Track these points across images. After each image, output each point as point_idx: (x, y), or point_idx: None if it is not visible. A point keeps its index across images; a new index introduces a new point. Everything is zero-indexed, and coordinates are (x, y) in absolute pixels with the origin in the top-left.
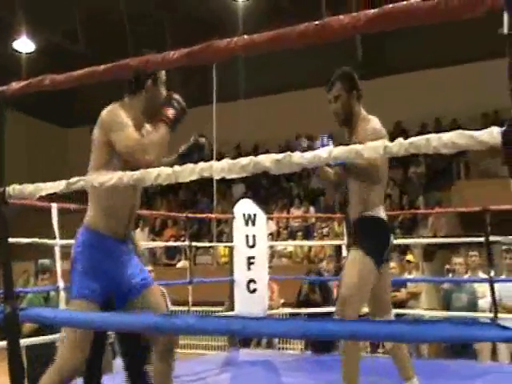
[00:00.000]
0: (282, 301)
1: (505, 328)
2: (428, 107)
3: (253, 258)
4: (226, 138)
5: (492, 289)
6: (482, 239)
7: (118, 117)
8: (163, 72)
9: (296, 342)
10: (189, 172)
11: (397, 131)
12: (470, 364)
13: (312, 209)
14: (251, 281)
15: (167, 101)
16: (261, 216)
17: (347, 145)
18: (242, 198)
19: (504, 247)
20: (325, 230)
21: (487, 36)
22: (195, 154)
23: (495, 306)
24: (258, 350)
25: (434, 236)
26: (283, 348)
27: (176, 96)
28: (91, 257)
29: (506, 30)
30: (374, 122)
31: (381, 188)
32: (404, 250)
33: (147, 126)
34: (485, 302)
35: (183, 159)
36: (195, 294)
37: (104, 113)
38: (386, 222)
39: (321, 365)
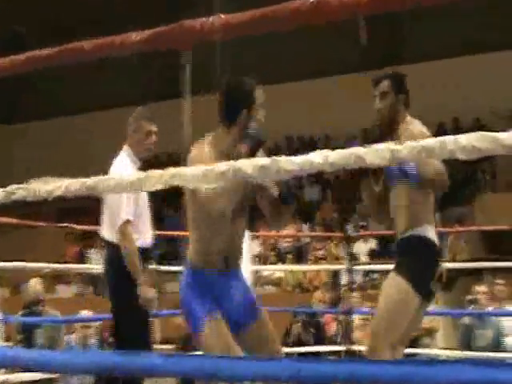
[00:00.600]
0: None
1: None
2: (445, 104)
3: None
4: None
5: None
6: (510, 264)
7: (200, 160)
8: (261, 97)
9: None
10: (155, 180)
11: None
12: None
13: (305, 226)
14: None
15: (245, 133)
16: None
17: None
18: None
19: None
20: (320, 253)
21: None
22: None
23: None
24: None
25: (453, 260)
26: None
27: (253, 126)
28: (196, 295)
29: None
30: (419, 124)
31: (432, 204)
32: None
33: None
34: None
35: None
36: (164, 330)
37: (193, 151)
38: (436, 245)
39: None
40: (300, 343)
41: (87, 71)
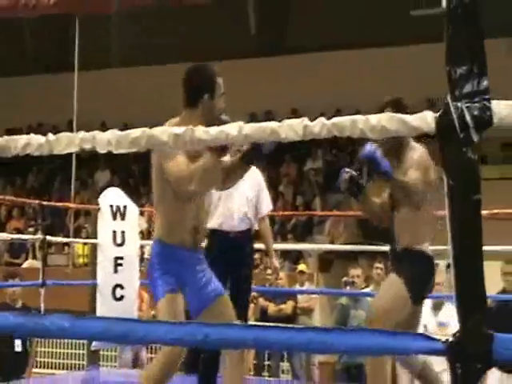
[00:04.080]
0: (153, 312)
1: (432, 339)
2: (328, 95)
3: (121, 258)
4: (88, 115)
5: None
6: (384, 248)
7: None
8: (221, 85)
9: None
10: (66, 143)
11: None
12: None
13: None
14: (118, 286)
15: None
16: (132, 209)
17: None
18: (107, 186)
19: None
20: None
21: (403, 19)
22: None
23: None
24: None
25: (332, 244)
26: None
27: (225, 118)
28: (167, 266)
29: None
30: (422, 152)
31: (431, 223)
32: (297, 258)
33: None
34: None
35: (247, 159)
36: (46, 302)
37: None
38: (433, 261)
39: None
40: None
41: None
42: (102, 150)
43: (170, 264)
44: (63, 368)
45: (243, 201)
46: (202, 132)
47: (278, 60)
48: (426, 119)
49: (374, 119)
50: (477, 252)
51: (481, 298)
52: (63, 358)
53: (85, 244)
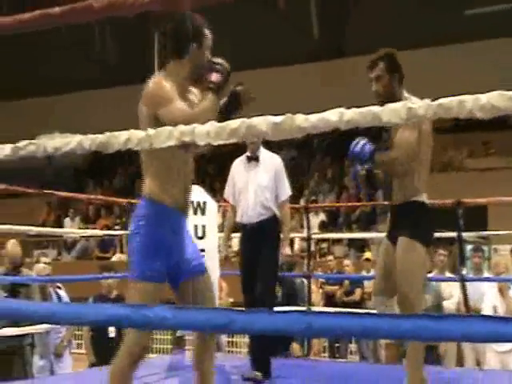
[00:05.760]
0: (231, 300)
1: None
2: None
3: (202, 250)
4: None
5: (463, 288)
6: (451, 234)
7: (163, 90)
8: (209, 36)
9: (245, 344)
10: (166, 136)
11: None
12: (435, 369)
13: None
14: None
15: (209, 65)
16: (211, 204)
17: (386, 130)
18: None
19: (469, 246)
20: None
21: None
22: (234, 105)
23: (467, 306)
24: None
25: None
26: (231, 351)
27: (218, 59)
28: (155, 232)
29: None
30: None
31: (425, 174)
32: (362, 246)
33: (193, 90)
34: (451, 303)
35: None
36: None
37: (149, 85)
38: (430, 208)
39: (274, 369)
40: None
41: None
42: (201, 142)
43: (159, 230)
44: (152, 352)
45: (258, 190)
46: (302, 119)
47: (339, 63)
48: None
49: (484, 98)
50: None
51: None
52: (152, 343)
53: None
